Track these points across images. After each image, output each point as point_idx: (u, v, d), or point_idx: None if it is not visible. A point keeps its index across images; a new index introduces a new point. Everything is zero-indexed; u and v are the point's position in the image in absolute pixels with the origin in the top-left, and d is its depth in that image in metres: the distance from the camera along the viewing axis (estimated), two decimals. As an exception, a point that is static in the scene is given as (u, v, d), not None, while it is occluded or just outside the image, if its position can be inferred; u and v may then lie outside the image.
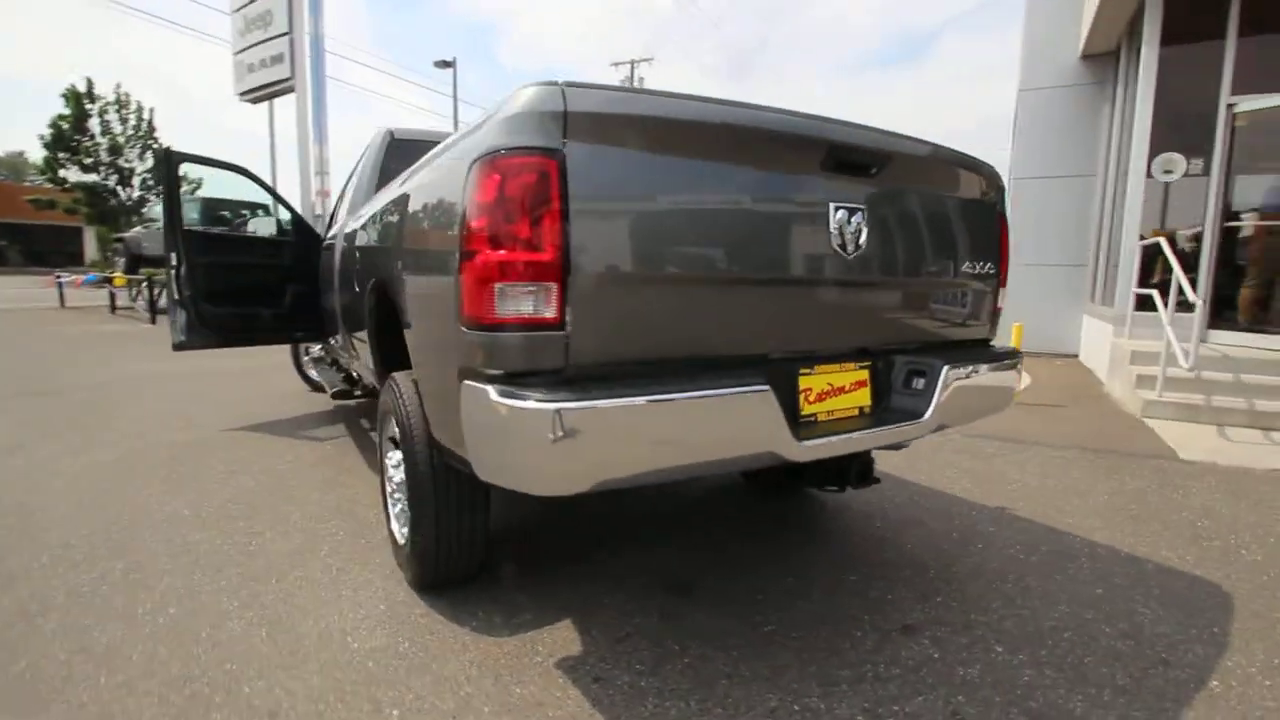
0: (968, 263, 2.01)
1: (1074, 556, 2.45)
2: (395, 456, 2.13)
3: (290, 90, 14.23)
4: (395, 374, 2.09)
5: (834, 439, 1.61)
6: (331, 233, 3.97)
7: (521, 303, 1.29)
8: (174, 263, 4.12)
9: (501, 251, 1.30)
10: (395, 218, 1.97)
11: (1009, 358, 2.07)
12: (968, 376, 1.86)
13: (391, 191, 2.15)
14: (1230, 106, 5.01)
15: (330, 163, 15.06)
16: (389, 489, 2.30)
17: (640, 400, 1.29)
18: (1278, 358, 4.63)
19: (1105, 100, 7.05)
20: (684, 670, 1.73)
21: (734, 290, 1.55)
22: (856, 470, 2.08)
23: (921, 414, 1.77)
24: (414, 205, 1.79)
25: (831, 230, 1.65)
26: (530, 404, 1.23)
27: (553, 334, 1.31)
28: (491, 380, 1.32)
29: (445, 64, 24.39)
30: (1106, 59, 7.05)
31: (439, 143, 3.51)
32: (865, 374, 1.81)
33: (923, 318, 1.98)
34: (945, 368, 1.81)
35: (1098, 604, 2.10)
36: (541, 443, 1.24)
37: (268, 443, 3.89)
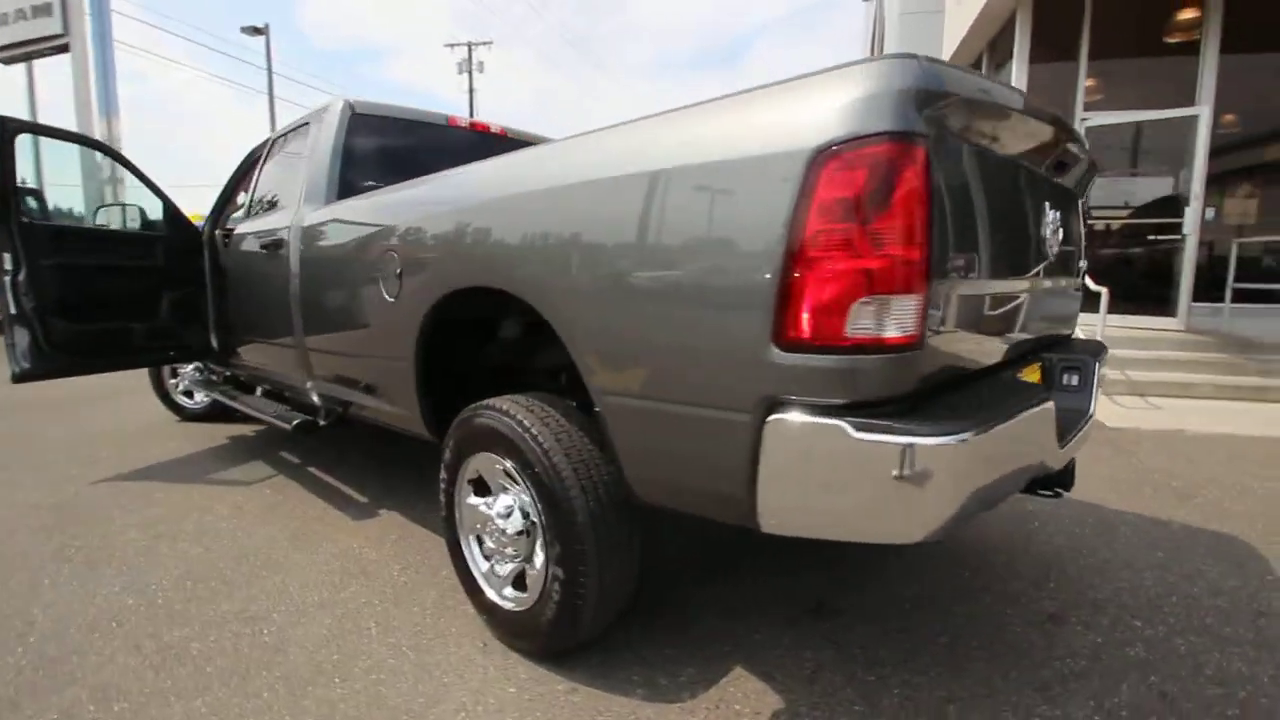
0: (1080, 253, 2.08)
1: (1110, 525, 2.67)
2: (506, 501, 1.72)
3: (63, 50, 11.72)
4: (508, 400, 1.69)
5: (1071, 440, 1.56)
6: (248, 227, 3.20)
7: (880, 319, 1.05)
8: (8, 266, 3.07)
9: (858, 260, 1.04)
10: (566, 214, 1.50)
11: (1103, 350, 2.18)
12: (1104, 370, 1.92)
13: (524, 182, 1.66)
14: (1084, 120, 5.92)
15: (123, 140, 12.53)
16: (474, 544, 1.87)
17: (1004, 425, 1.12)
18: (1134, 334, 5.57)
19: None
20: (902, 704, 1.58)
21: (1005, 295, 1.47)
22: (1070, 471, 1.99)
23: (1089, 410, 1.78)
24: (642, 202, 1.33)
25: (1045, 230, 1.61)
26: (913, 440, 1.00)
27: (910, 354, 1.09)
28: (825, 412, 1.06)
29: (256, 30, 21.40)
30: (962, 74, 8.04)
31: (410, 119, 3.03)
32: (1039, 373, 1.79)
33: (1062, 313, 2.01)
34: (1096, 362, 1.84)
35: (1169, 566, 2.30)
36: (906, 483, 1.02)
37: (176, 494, 3.05)
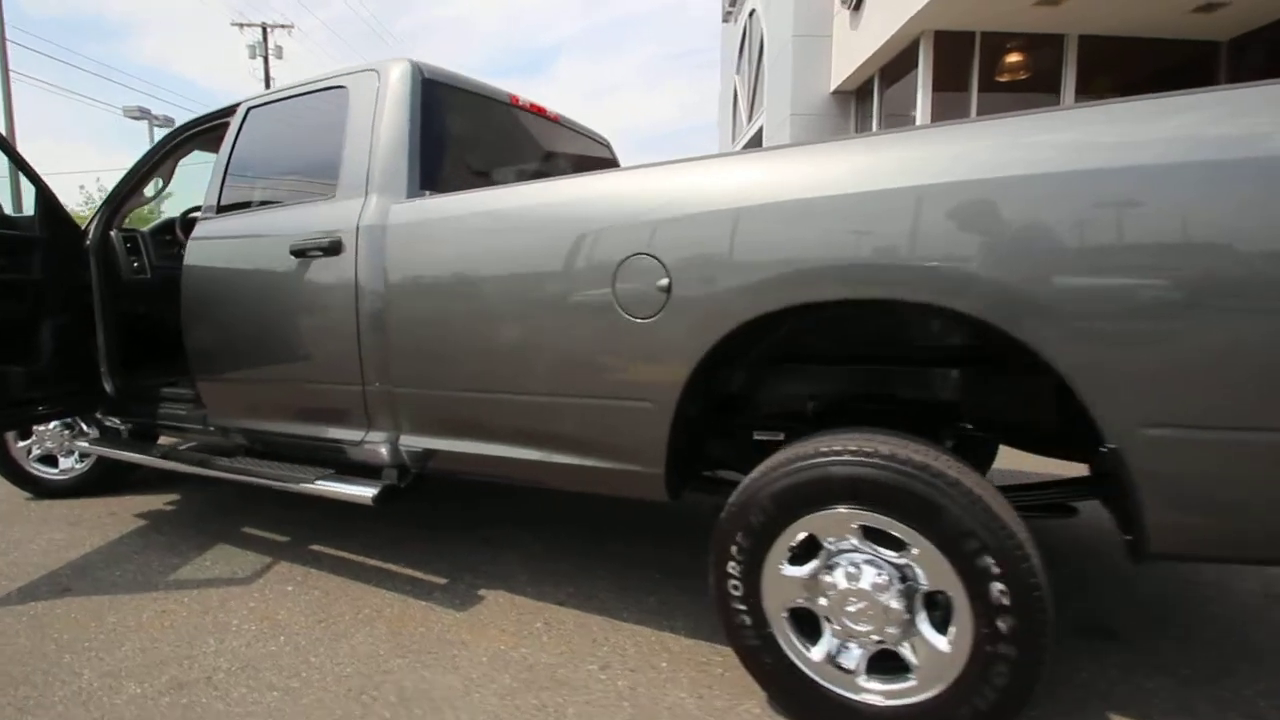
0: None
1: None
2: (870, 569, 1.34)
3: None
4: (890, 442, 1.33)
5: None
6: (238, 226, 2.32)
7: None
8: None
9: None
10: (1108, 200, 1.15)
11: None
12: None
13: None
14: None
15: None
16: (788, 627, 1.45)
17: None
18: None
19: (846, 123, 8.79)
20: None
21: None
22: None
23: None
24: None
25: None
26: None
27: None
28: None
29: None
30: (848, 95, 8.73)
31: (480, 92, 2.39)
32: None
33: None
34: None
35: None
36: None
37: (148, 614, 2.10)
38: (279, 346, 2.17)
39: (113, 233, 2.90)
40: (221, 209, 2.38)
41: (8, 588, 2.28)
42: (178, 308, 3.04)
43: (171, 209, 3.54)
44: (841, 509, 1.36)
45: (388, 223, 1.93)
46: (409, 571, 2.34)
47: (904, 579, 1.36)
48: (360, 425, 2.07)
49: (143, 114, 18.28)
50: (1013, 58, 6.76)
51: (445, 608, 2.08)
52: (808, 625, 1.46)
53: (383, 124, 2.04)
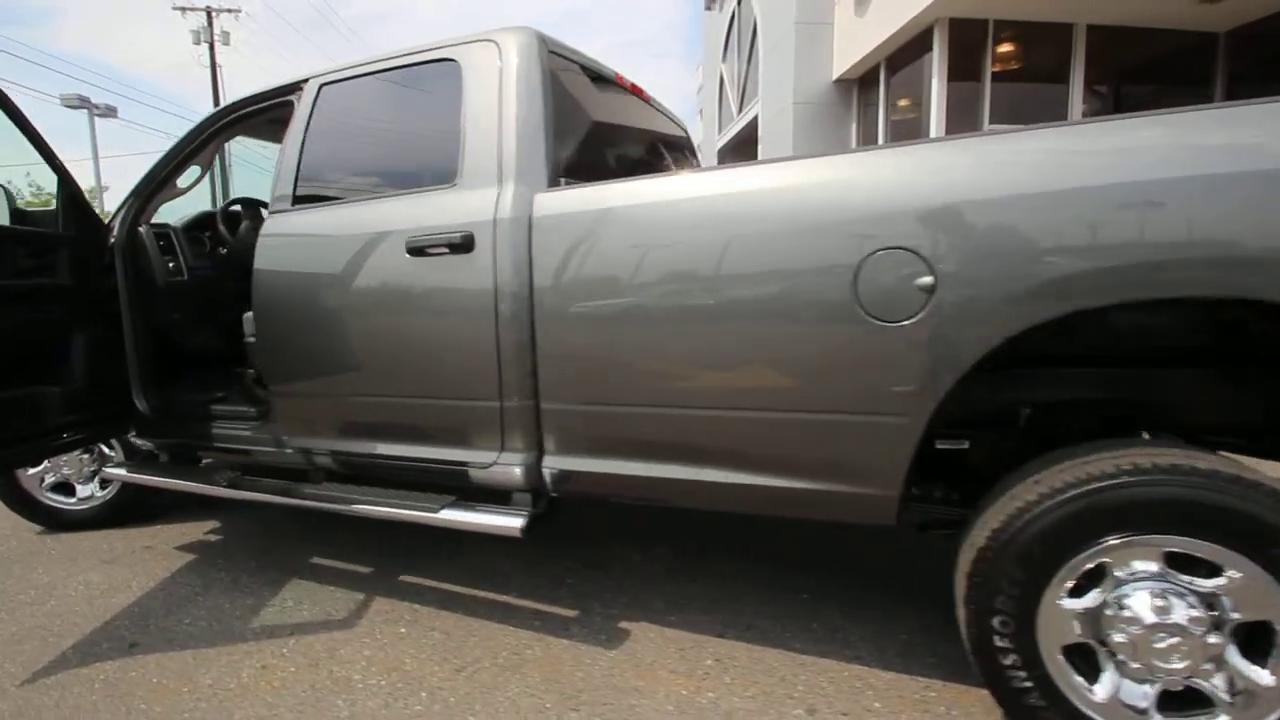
0: None
1: None
2: (1190, 603, 1.19)
3: None
4: (1207, 457, 1.17)
5: None
6: (328, 223, 2.03)
7: None
8: None
9: None
10: None
11: None
12: None
13: None
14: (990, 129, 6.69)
15: None
16: (1066, 664, 1.29)
17: None
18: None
19: (848, 111, 8.72)
20: None
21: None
22: None
23: None
24: None
25: None
26: None
27: None
28: None
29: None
30: (850, 84, 8.66)
31: (595, 69, 2.15)
32: None
33: None
34: None
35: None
36: None
37: (230, 676, 1.81)
38: (389, 359, 1.89)
39: (142, 229, 2.54)
40: (298, 201, 2.07)
41: (59, 645, 1.95)
42: (219, 313, 2.73)
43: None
44: (1151, 535, 1.20)
45: (533, 215, 1.68)
46: (527, 603, 2.10)
47: (1211, 607, 1.22)
48: (491, 445, 1.82)
49: (82, 102, 17.02)
50: (1023, 47, 6.78)
51: (593, 646, 1.86)
52: (1085, 662, 1.31)
53: (512, 102, 1.78)
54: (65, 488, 2.82)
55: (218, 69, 25.48)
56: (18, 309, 2.06)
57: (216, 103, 24.56)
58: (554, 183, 1.77)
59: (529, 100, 1.78)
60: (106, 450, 2.79)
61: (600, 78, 2.21)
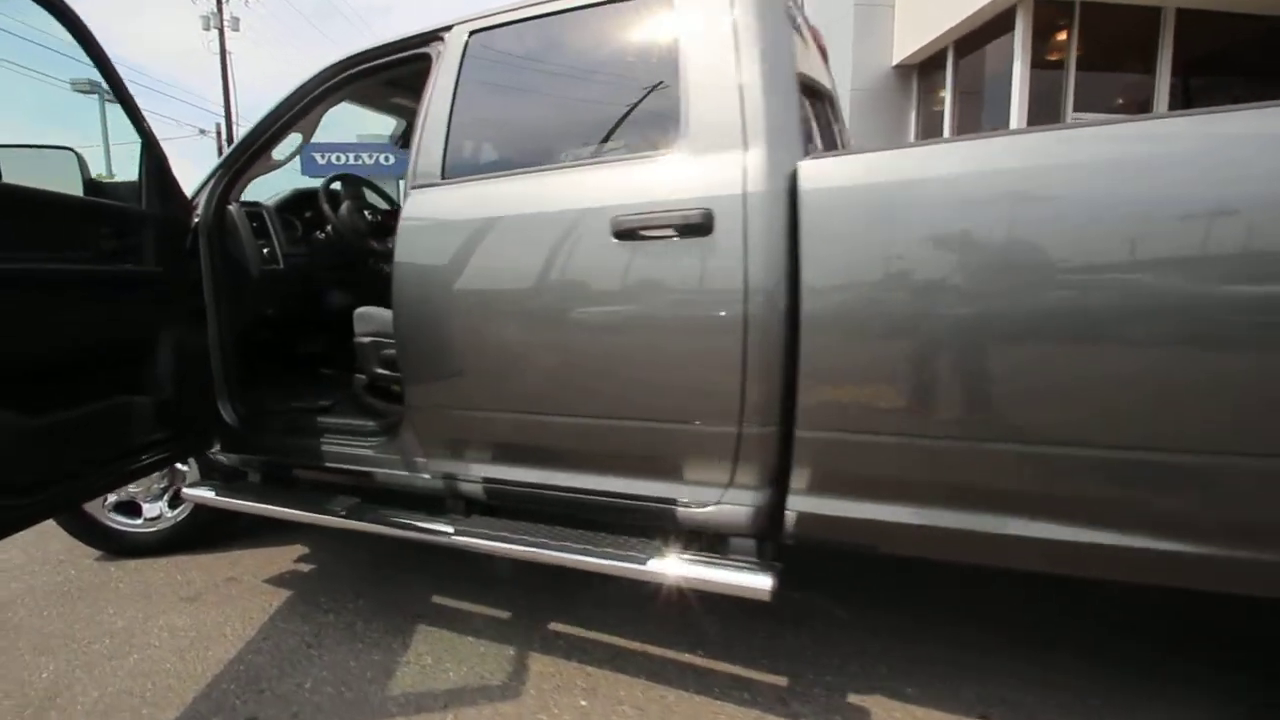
0: None
1: None
2: None
3: None
4: None
5: None
6: (452, 205, 1.65)
7: None
8: None
9: None
10: None
11: None
12: None
13: None
14: (1075, 120, 6.33)
15: None
16: None
17: None
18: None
19: (908, 99, 8.35)
20: None
21: None
22: None
23: None
24: None
25: None
26: None
27: None
28: None
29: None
30: (910, 70, 8.28)
31: (803, 20, 1.77)
32: None
33: None
34: None
35: None
36: None
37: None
38: (580, 370, 1.51)
39: (232, 207, 2.16)
40: (450, 175, 1.69)
41: (159, 719, 1.58)
42: (317, 307, 2.35)
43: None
44: None
45: (801, 188, 1.30)
46: (721, 666, 1.73)
47: None
48: (715, 480, 1.45)
49: (93, 87, 16.54)
50: (1109, 30, 6.39)
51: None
52: None
53: (754, 41, 1.40)
54: (130, 507, 2.44)
55: (227, 55, 25.00)
56: (97, 301, 1.68)
57: (226, 90, 24.11)
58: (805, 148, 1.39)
59: (776, 39, 1.40)
60: (179, 464, 2.41)
61: (807, 28, 1.83)
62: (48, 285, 1.52)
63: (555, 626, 1.93)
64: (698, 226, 1.35)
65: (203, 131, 21.72)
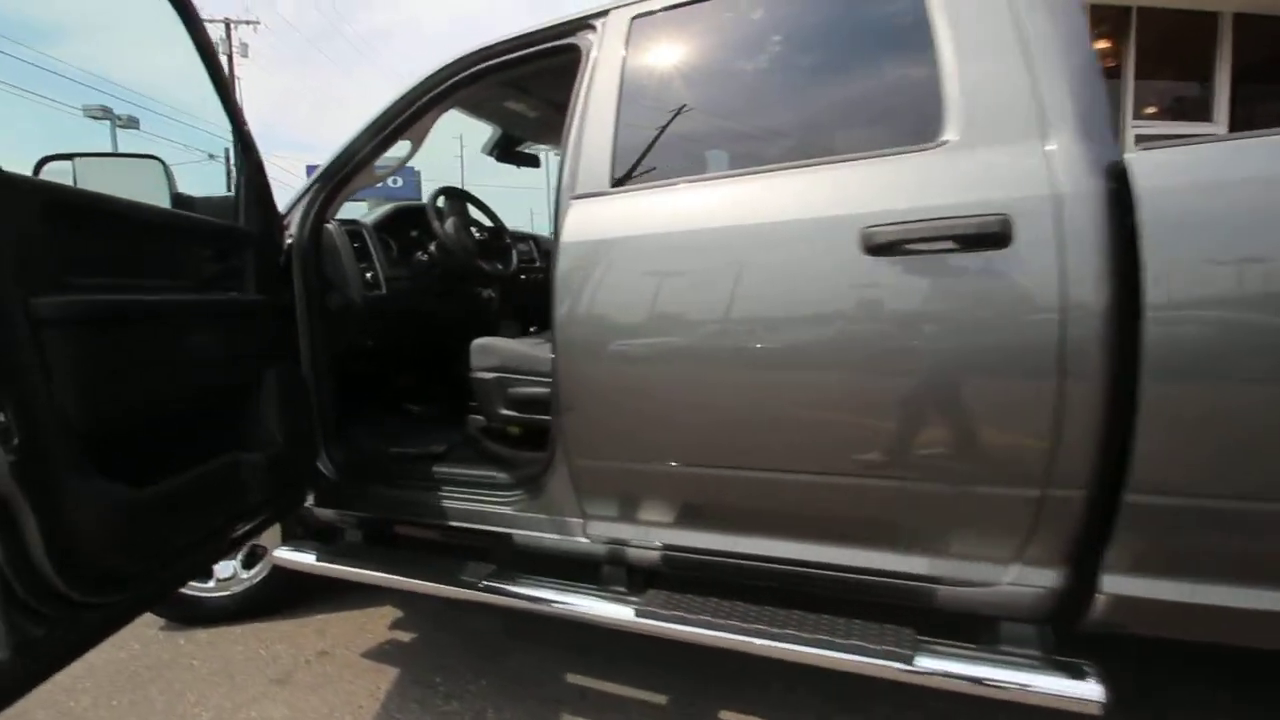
0: None
1: None
2: None
3: None
4: None
5: None
6: (628, 219, 1.37)
7: None
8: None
9: None
10: None
11: None
12: None
13: None
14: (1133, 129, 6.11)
15: None
16: None
17: None
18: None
19: None
20: None
21: None
22: None
23: None
24: None
25: None
26: None
27: None
28: None
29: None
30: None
31: None
32: None
33: None
34: None
35: None
36: None
37: None
38: (813, 420, 1.23)
39: (330, 224, 1.90)
40: (619, 183, 1.42)
41: None
42: (422, 337, 2.07)
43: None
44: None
45: (1138, 186, 1.02)
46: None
47: None
48: (1000, 554, 1.15)
49: (105, 114, 16.46)
50: (1167, 36, 6.21)
51: None
52: None
53: (1044, 8, 1.13)
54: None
55: (236, 81, 25.05)
56: (205, 337, 1.39)
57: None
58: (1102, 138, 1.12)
59: (1068, 6, 1.14)
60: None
61: None
62: (156, 319, 1.24)
63: (724, 714, 1.62)
64: (992, 237, 1.07)
65: (212, 156, 21.60)
